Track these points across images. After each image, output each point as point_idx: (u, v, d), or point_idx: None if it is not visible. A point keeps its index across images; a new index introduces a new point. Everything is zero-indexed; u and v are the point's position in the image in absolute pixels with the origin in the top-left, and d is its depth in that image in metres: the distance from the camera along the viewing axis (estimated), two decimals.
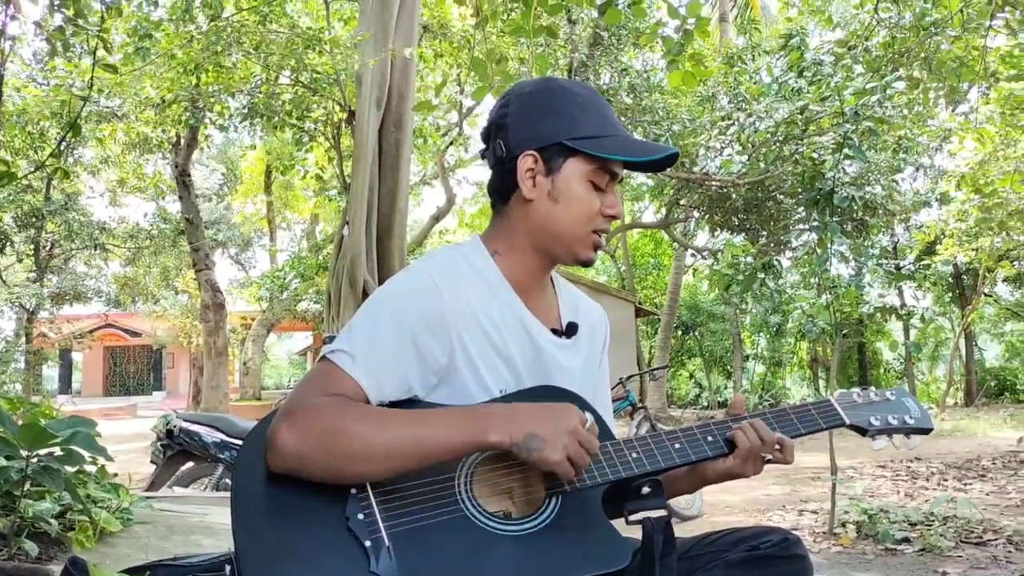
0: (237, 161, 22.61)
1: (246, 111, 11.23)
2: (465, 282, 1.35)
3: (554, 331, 1.45)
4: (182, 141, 14.53)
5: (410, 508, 1.17)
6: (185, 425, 5.37)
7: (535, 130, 1.37)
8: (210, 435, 5.32)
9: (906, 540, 5.16)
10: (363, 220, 9.50)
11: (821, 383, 22.18)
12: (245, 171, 22.06)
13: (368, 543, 1.11)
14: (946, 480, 7.87)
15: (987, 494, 6.95)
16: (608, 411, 1.48)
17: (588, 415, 1.21)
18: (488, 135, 1.45)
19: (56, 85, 11.08)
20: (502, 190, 1.42)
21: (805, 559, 1.36)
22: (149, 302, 23.23)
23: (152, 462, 5.33)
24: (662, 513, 1.27)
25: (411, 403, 1.28)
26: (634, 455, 1.28)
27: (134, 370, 31.62)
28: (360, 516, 1.14)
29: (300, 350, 35.64)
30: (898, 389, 1.54)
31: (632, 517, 1.28)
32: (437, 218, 15.81)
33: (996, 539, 5.07)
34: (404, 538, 1.13)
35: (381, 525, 1.14)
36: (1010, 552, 4.80)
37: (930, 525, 5.43)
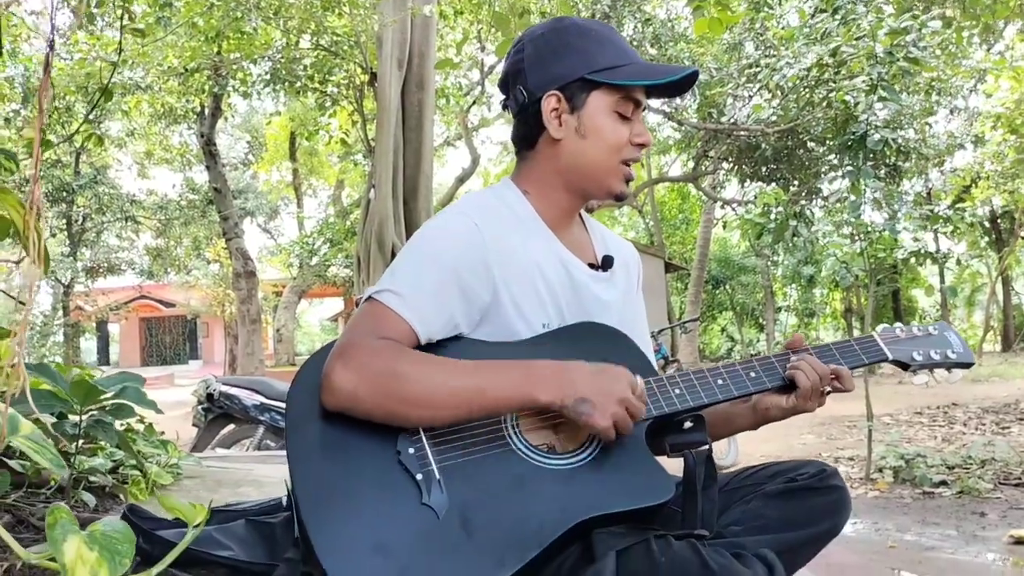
0: (261, 129, 22.64)
1: (268, 77, 11.22)
2: (502, 222, 1.36)
3: (590, 265, 1.46)
4: (206, 110, 14.57)
5: (459, 443, 1.19)
6: (225, 389, 5.47)
7: (554, 70, 1.37)
8: (250, 398, 5.42)
9: (944, 483, 5.16)
10: (389, 182, 9.50)
11: (856, 333, 21.99)
12: (270, 138, 22.09)
13: (419, 476, 1.14)
14: (984, 424, 7.81)
15: None
16: (647, 345, 1.49)
17: (639, 379, 1.22)
18: (506, 84, 1.45)
19: (80, 58, 11.14)
20: (528, 135, 1.43)
21: (842, 490, 1.36)
22: (181, 272, 23.51)
23: (194, 425, 5.44)
24: (704, 447, 1.28)
25: (457, 340, 1.30)
26: (676, 391, 1.30)
27: (170, 340, 32.10)
28: (411, 451, 1.16)
29: (331, 316, 35.91)
30: (940, 324, 1.54)
31: (673, 451, 1.29)
32: (462, 179, 15.73)
33: None
34: (454, 471, 1.16)
35: (432, 459, 1.16)
36: None
37: (968, 468, 5.41)
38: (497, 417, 1.22)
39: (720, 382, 1.33)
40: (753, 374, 1.36)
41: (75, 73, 11.26)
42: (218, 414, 5.47)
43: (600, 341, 1.36)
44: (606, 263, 1.48)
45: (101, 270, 22.01)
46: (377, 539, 1.07)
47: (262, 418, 5.35)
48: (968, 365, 1.49)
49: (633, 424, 1.19)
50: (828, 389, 1.38)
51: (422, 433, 1.19)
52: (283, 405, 5.32)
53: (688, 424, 1.30)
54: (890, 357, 1.46)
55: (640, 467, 1.21)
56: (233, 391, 5.46)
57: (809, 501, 1.33)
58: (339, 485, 1.13)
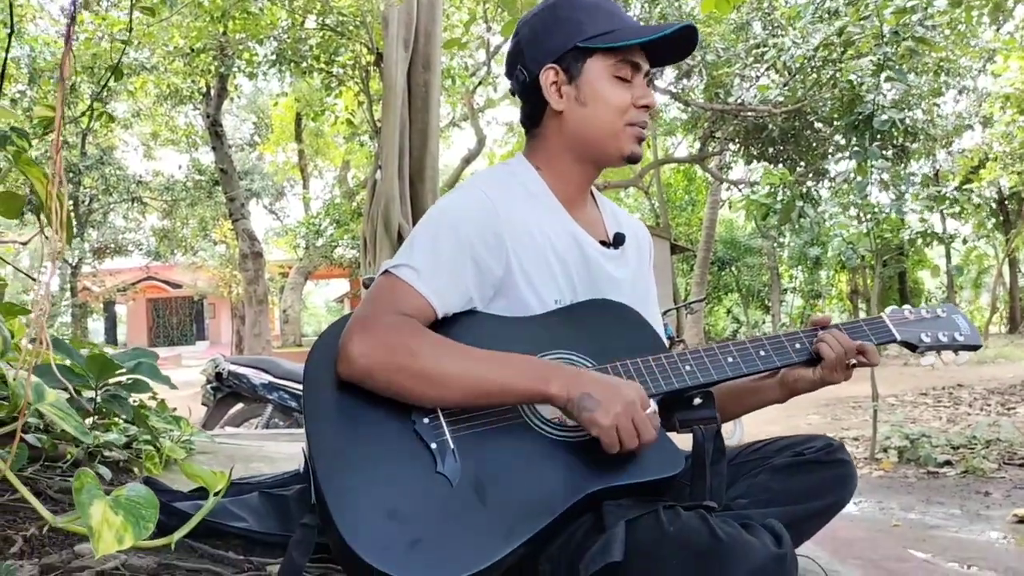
0: (267, 110, 22.61)
1: (274, 57, 11.19)
2: (516, 197, 1.38)
3: (602, 243, 1.47)
4: (212, 91, 14.56)
5: (472, 414, 1.21)
6: (233, 368, 5.50)
7: (548, 44, 1.40)
8: (258, 377, 5.45)
9: (948, 463, 5.18)
10: (395, 163, 9.48)
11: (862, 314, 21.97)
12: (275, 119, 22.06)
13: (434, 445, 1.16)
14: (989, 405, 7.83)
15: None
16: (658, 323, 1.50)
17: (653, 403, 1.20)
18: (509, 69, 1.48)
19: (86, 39, 11.13)
20: (533, 113, 1.45)
21: (849, 463, 1.39)
22: (188, 253, 23.57)
23: (203, 404, 5.48)
24: (712, 422, 1.29)
25: (471, 314, 1.32)
26: (687, 368, 1.31)
27: (177, 321, 32.18)
28: (426, 420, 1.19)
29: (337, 297, 35.99)
30: (948, 306, 1.55)
31: (683, 426, 1.31)
32: (468, 160, 15.72)
33: None
34: (467, 441, 1.18)
35: (446, 429, 1.18)
36: None
37: (972, 448, 5.43)
38: (505, 405, 1.23)
39: (730, 360, 1.35)
40: (763, 352, 1.38)
41: (80, 54, 11.26)
42: (227, 393, 5.51)
43: (611, 318, 1.38)
44: (617, 240, 1.50)
45: (108, 251, 22.07)
46: (392, 506, 1.09)
47: (270, 397, 5.38)
48: (975, 347, 1.51)
49: (638, 443, 1.15)
50: (854, 362, 1.40)
51: None
52: (291, 384, 5.38)
53: (697, 400, 1.31)
54: (898, 338, 1.47)
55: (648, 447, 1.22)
56: (242, 370, 5.49)
57: (816, 474, 1.35)
58: (356, 453, 1.15)
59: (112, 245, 22.14)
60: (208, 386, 5.57)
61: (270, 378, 5.46)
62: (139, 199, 20.88)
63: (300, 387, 5.40)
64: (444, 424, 1.19)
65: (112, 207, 21.32)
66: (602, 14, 1.40)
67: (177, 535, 0.97)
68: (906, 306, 1.54)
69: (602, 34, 1.38)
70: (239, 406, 5.57)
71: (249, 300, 16.86)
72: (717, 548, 1.01)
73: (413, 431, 1.18)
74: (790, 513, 1.29)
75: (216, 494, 0.98)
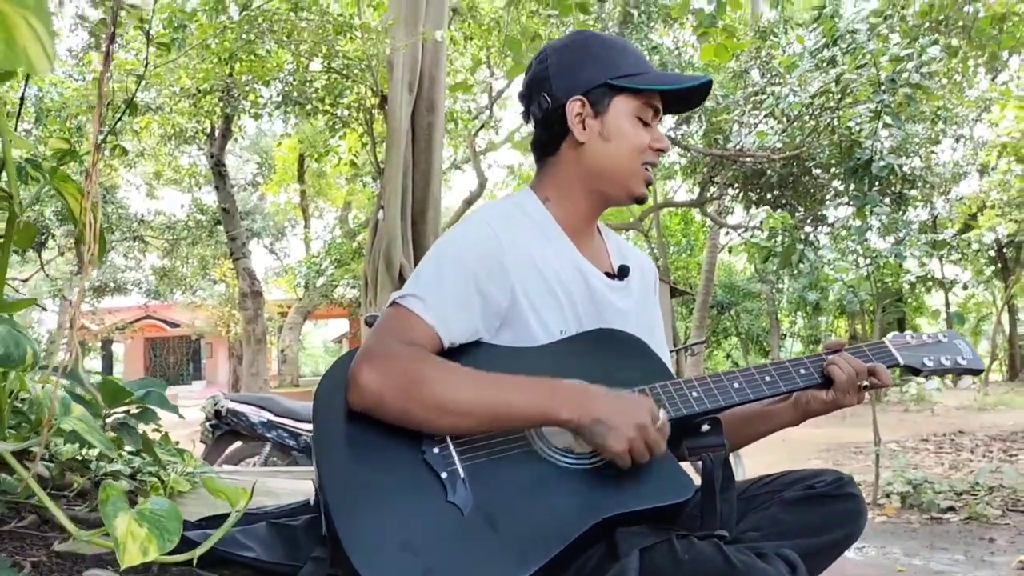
0: (270, 150, 22.81)
1: (280, 99, 11.32)
2: (521, 229, 1.40)
3: (607, 274, 1.48)
4: (217, 131, 14.70)
5: (482, 442, 1.21)
6: (232, 406, 5.48)
7: (578, 76, 1.43)
8: (257, 415, 5.42)
9: (951, 509, 5.14)
10: (398, 204, 9.55)
11: None
12: (278, 160, 22.24)
13: (444, 475, 1.16)
14: (991, 452, 7.79)
15: None
16: (664, 352, 1.51)
17: (662, 412, 1.21)
18: (529, 93, 1.50)
19: (93, 79, 11.27)
20: (551, 141, 1.47)
21: (859, 498, 1.39)
22: (187, 292, 23.58)
23: (202, 441, 5.44)
24: (722, 450, 1.30)
25: (477, 345, 1.33)
26: (695, 394, 1.32)
27: (174, 360, 32.08)
28: (435, 450, 1.19)
29: (336, 337, 35.92)
30: (950, 332, 1.56)
31: (691, 454, 1.31)
32: (469, 202, 15.81)
33: None
34: (478, 470, 1.18)
35: (456, 458, 1.19)
36: None
37: (976, 494, 5.38)
38: (516, 430, 1.24)
39: (736, 385, 1.36)
40: (768, 378, 1.39)
41: (88, 92, 11.38)
42: (225, 431, 5.47)
43: (618, 347, 1.39)
44: (622, 272, 1.51)
45: (108, 289, 22.09)
46: (404, 536, 1.09)
47: (269, 435, 5.35)
48: (978, 372, 1.52)
49: (651, 457, 1.18)
50: (866, 384, 1.42)
51: None
52: (291, 422, 5.36)
53: (705, 427, 1.32)
54: (901, 362, 1.48)
55: (661, 467, 1.23)
56: (241, 408, 5.47)
57: (827, 508, 1.35)
58: (366, 483, 1.15)
59: (112, 284, 22.16)
60: (207, 423, 5.54)
61: (269, 416, 5.43)
62: (140, 238, 20.95)
63: (300, 425, 5.38)
64: (454, 453, 1.19)
65: (113, 245, 21.38)
66: (631, 56, 1.45)
67: (200, 550, 0.97)
68: (908, 332, 1.55)
69: (632, 75, 1.42)
70: (237, 444, 5.54)
71: (247, 339, 16.83)
72: (731, 575, 1.01)
73: (423, 461, 1.18)
74: (802, 546, 1.28)
75: (238, 510, 0.98)
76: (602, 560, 1.13)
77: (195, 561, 0.97)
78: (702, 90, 1.45)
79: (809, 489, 1.37)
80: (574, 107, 1.42)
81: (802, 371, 1.42)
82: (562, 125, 1.43)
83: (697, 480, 1.26)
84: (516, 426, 1.22)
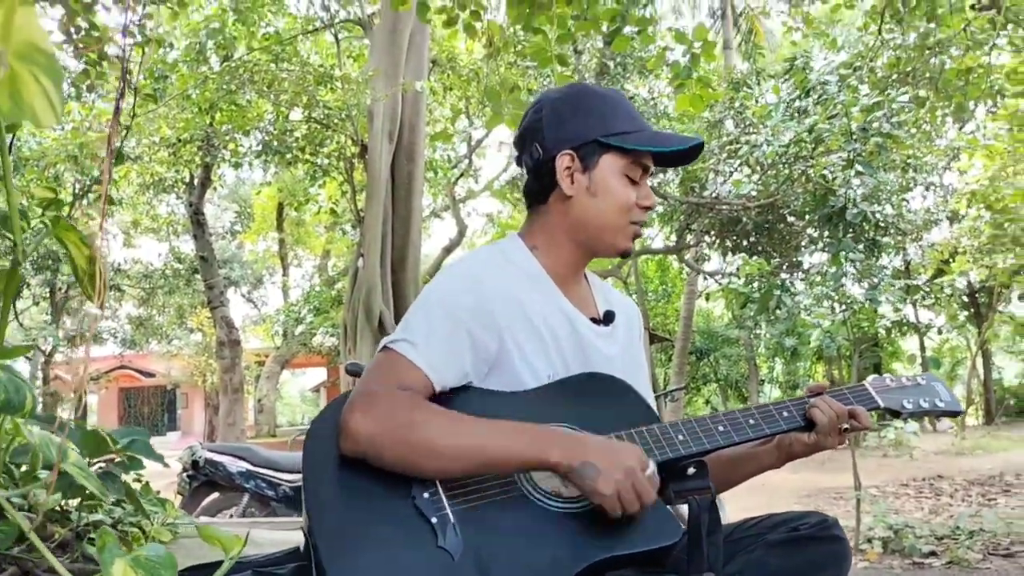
0: (249, 199, 22.83)
1: (260, 148, 11.39)
2: (508, 275, 1.42)
3: (593, 320, 1.51)
4: (196, 180, 14.72)
5: (472, 488, 1.22)
6: (210, 456, 5.41)
7: (570, 130, 1.45)
8: (235, 464, 5.36)
9: (933, 554, 5.14)
10: (378, 252, 9.59)
11: None
12: (257, 208, 22.25)
13: (435, 520, 1.17)
14: (970, 496, 7.82)
15: (1012, 508, 6.90)
16: (650, 396, 1.53)
17: (651, 463, 1.23)
18: (523, 141, 1.53)
19: (73, 129, 11.28)
20: (540, 191, 1.50)
21: (843, 540, 1.40)
22: (163, 342, 23.35)
23: (179, 493, 5.35)
24: (708, 493, 1.31)
25: (466, 389, 1.34)
26: (680, 437, 1.34)
27: (148, 411, 31.60)
28: (425, 495, 1.20)
29: (314, 386, 35.61)
30: (928, 375, 1.59)
31: (677, 497, 1.32)
32: (449, 250, 15.89)
33: None
34: (468, 515, 1.19)
35: (446, 503, 1.19)
36: None
37: (956, 539, 5.39)
38: (508, 474, 1.25)
39: (721, 428, 1.38)
40: (752, 421, 1.41)
41: (66, 143, 11.38)
42: (203, 481, 5.40)
43: (604, 390, 1.41)
44: (608, 318, 1.54)
45: (83, 339, 21.82)
46: None
47: (247, 485, 5.28)
48: (956, 414, 1.55)
49: (640, 507, 1.18)
50: (846, 426, 1.44)
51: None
52: (270, 472, 5.29)
53: (691, 470, 1.33)
54: (881, 405, 1.51)
55: (648, 510, 1.24)
56: (218, 458, 5.40)
57: (811, 550, 1.36)
58: (356, 530, 1.16)
59: (87, 333, 21.90)
60: (184, 474, 5.46)
61: (248, 466, 5.37)
62: (117, 287, 20.79)
63: (279, 475, 5.32)
64: (444, 498, 1.20)
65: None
66: (623, 113, 1.47)
67: None
68: (887, 375, 1.58)
69: (623, 133, 1.44)
70: (215, 495, 5.46)
71: (224, 389, 16.64)
72: None
73: (413, 506, 1.19)
74: None
75: (231, 558, 0.98)
76: None
77: None
78: (694, 149, 1.48)
79: (794, 531, 1.38)
80: (563, 161, 1.44)
81: (785, 414, 1.44)
82: (551, 177, 1.45)
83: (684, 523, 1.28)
84: (507, 469, 1.23)
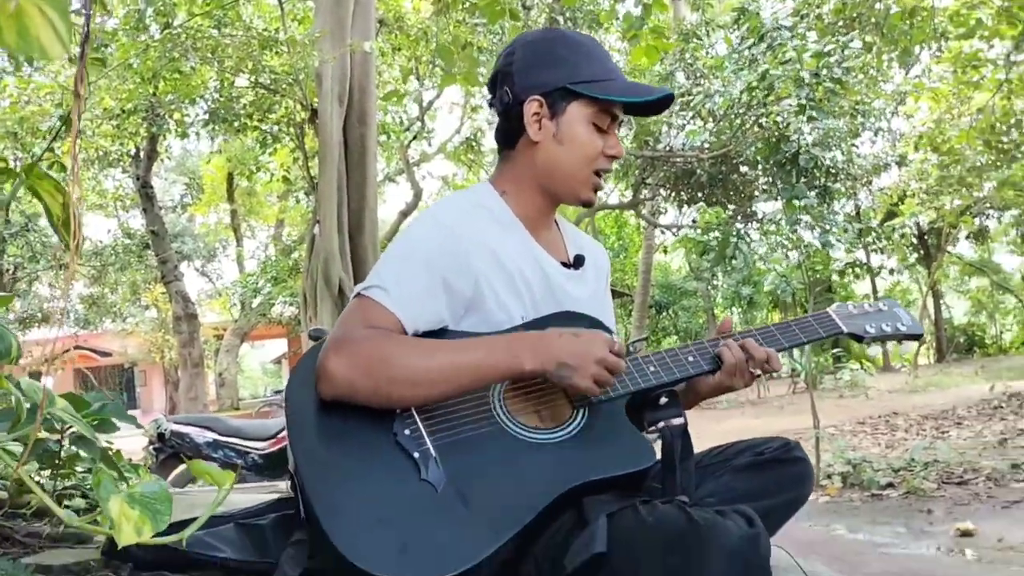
0: (198, 171, 22.37)
1: (207, 117, 11.14)
2: (479, 220, 1.43)
3: (563, 263, 1.53)
4: (142, 153, 14.38)
5: (451, 422, 1.25)
6: (176, 428, 5.37)
7: (539, 77, 1.45)
8: (201, 435, 5.33)
9: (890, 485, 5.33)
10: (334, 218, 9.47)
11: (795, 352, 22.46)
12: (207, 179, 21.81)
13: (416, 454, 1.20)
14: (924, 430, 8.08)
15: (964, 439, 7.16)
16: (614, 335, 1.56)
17: (617, 338, 1.32)
18: (494, 84, 1.52)
19: (12, 103, 10.94)
20: (509, 135, 1.50)
21: (806, 461, 1.46)
22: (118, 320, 22.97)
23: (146, 466, 5.31)
24: (680, 421, 1.35)
25: (442, 332, 1.36)
26: (651, 368, 1.38)
27: (106, 391, 31.16)
28: (407, 432, 1.22)
29: (274, 358, 35.38)
30: (889, 300, 1.64)
31: (650, 426, 1.37)
32: (405, 213, 15.77)
33: (976, 478, 5.26)
34: (448, 449, 1.22)
35: (427, 438, 1.22)
36: (990, 488, 4.98)
37: (912, 470, 5.60)
38: (486, 389, 1.29)
39: (691, 358, 1.42)
40: (716, 350, 1.45)
41: (5, 117, 11.03)
42: (169, 454, 5.36)
43: (577, 326, 1.43)
44: (577, 261, 1.56)
45: (35, 320, 21.38)
46: (381, 513, 1.13)
47: (215, 455, 5.26)
48: (918, 337, 1.60)
49: (614, 378, 1.28)
50: (758, 372, 1.45)
51: (416, 415, 1.25)
52: (237, 441, 5.27)
53: (663, 400, 1.37)
54: (845, 330, 1.55)
55: (623, 437, 1.29)
56: (184, 429, 5.37)
57: (776, 472, 1.42)
58: (341, 469, 1.19)
59: (39, 314, 21.46)
60: (150, 447, 5.42)
61: (215, 436, 5.34)
62: (65, 266, 20.33)
63: (247, 444, 5.30)
64: (424, 433, 1.23)
65: (38, 275, 20.71)
66: (595, 60, 1.47)
67: (190, 530, 0.99)
68: (850, 302, 1.63)
69: (593, 81, 1.43)
70: (182, 467, 5.42)
71: (184, 364, 16.47)
72: (694, 531, 1.06)
73: (395, 442, 1.21)
74: (755, 509, 1.34)
75: (226, 489, 0.99)
76: (572, 527, 1.18)
77: (183, 542, 0.98)
78: (663, 100, 1.48)
79: (759, 455, 1.44)
80: (532, 107, 1.44)
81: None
82: (519, 122, 1.45)
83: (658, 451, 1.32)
84: (484, 383, 1.27)
